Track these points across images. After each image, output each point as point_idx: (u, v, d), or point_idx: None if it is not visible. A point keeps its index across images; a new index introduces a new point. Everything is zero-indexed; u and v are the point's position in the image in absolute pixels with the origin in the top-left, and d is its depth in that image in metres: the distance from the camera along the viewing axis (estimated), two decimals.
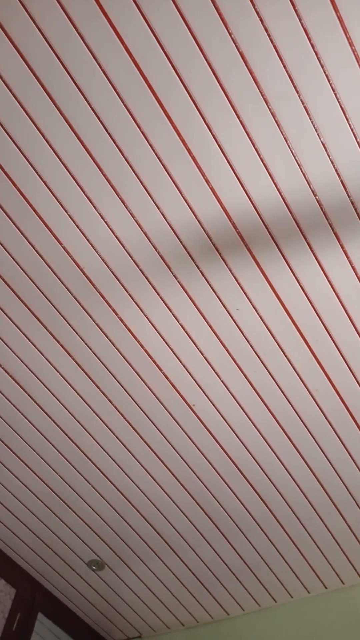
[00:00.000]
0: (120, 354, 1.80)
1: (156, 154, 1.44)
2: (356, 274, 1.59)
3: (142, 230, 1.56)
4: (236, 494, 2.12)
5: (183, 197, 1.50)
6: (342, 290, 1.63)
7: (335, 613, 2.34)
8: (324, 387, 1.82)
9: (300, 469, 2.02)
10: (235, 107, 1.36)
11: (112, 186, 1.50)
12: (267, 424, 1.91)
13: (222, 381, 1.83)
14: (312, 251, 1.56)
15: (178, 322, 1.72)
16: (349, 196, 1.46)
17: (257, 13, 1.24)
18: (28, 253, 1.62)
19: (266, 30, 1.26)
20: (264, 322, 1.70)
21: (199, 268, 1.61)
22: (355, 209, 1.48)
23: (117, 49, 1.30)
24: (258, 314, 1.69)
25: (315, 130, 1.38)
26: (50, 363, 1.84)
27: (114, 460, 2.07)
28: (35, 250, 1.61)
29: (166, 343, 1.77)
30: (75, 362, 1.83)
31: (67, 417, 1.96)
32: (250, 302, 1.66)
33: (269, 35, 1.27)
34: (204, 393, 1.86)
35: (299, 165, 1.43)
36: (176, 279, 1.64)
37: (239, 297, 1.66)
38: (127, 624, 2.71)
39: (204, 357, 1.79)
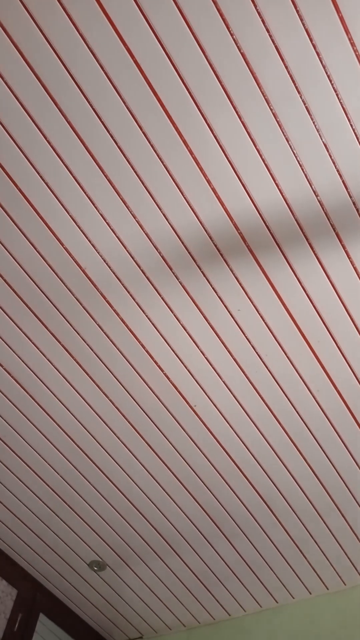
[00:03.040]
0: (122, 355, 1.80)
1: (158, 156, 1.44)
2: (358, 275, 1.59)
3: (144, 232, 1.56)
4: (238, 495, 2.12)
5: (184, 197, 1.50)
6: (344, 291, 1.62)
7: (336, 614, 2.34)
8: (326, 388, 1.82)
9: (302, 470, 2.02)
10: (237, 108, 1.36)
11: (114, 188, 1.50)
12: (268, 424, 1.91)
13: (223, 382, 1.83)
14: (314, 252, 1.56)
15: (179, 323, 1.72)
16: (350, 197, 1.46)
17: (259, 14, 1.24)
18: (29, 254, 1.62)
19: (268, 31, 1.26)
20: (265, 323, 1.70)
21: (200, 268, 1.61)
22: (357, 210, 1.48)
23: (120, 54, 1.30)
24: (260, 314, 1.68)
25: (317, 130, 1.38)
26: (52, 364, 1.84)
27: (115, 461, 2.07)
28: (37, 251, 1.61)
29: (168, 344, 1.77)
30: (77, 363, 1.83)
31: (69, 418, 1.96)
32: (252, 303, 1.66)
33: (270, 36, 1.27)
34: (206, 394, 1.86)
35: (300, 166, 1.43)
36: (177, 279, 1.64)
37: (241, 297, 1.66)
38: (128, 625, 2.71)
39: (206, 358, 1.79)
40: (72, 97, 1.37)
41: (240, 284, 1.63)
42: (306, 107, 1.35)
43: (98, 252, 1.61)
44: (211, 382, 1.84)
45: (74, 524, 2.29)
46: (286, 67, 1.30)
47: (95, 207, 1.53)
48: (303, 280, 1.61)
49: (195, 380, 1.84)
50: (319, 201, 1.47)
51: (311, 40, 1.27)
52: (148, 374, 1.84)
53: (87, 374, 1.85)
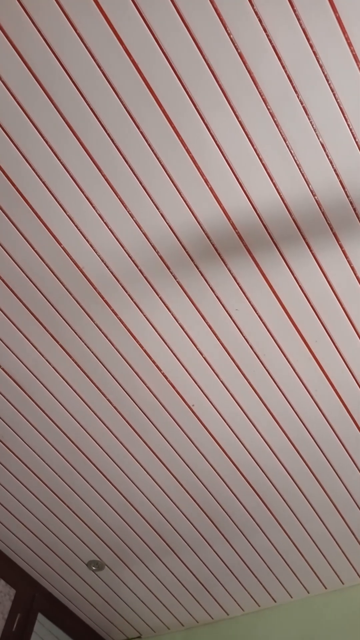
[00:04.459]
0: (120, 354, 1.80)
1: (155, 154, 1.44)
2: (355, 274, 1.59)
3: (142, 231, 1.56)
4: (236, 494, 2.12)
5: (181, 196, 1.50)
6: (341, 290, 1.63)
7: (334, 613, 2.34)
8: (323, 387, 1.82)
9: (300, 469, 2.02)
10: (234, 107, 1.36)
11: (111, 187, 1.50)
12: (266, 424, 1.91)
13: (221, 381, 1.83)
14: (311, 251, 1.56)
15: (177, 322, 1.72)
16: (347, 196, 1.46)
17: (256, 13, 1.24)
18: (27, 253, 1.62)
19: (265, 30, 1.26)
20: (263, 323, 1.70)
21: (197, 268, 1.61)
22: (354, 209, 1.48)
23: (117, 52, 1.30)
24: (257, 314, 1.69)
25: (314, 130, 1.38)
26: (49, 364, 1.84)
27: (113, 461, 2.07)
28: (35, 251, 1.61)
29: (165, 343, 1.77)
30: (75, 362, 1.83)
31: (67, 418, 1.96)
32: (250, 302, 1.67)
33: (267, 36, 1.27)
34: (203, 393, 1.87)
35: (297, 166, 1.43)
36: (175, 279, 1.64)
37: (238, 297, 1.66)
38: (126, 625, 2.71)
39: (203, 358, 1.79)
40: (70, 97, 1.36)
41: (237, 283, 1.63)
42: (303, 107, 1.35)
43: (96, 252, 1.61)
44: (209, 381, 1.84)
45: (72, 523, 2.29)
46: (283, 67, 1.30)
47: (93, 207, 1.53)
48: (300, 279, 1.61)
49: (194, 380, 1.84)
50: (316, 200, 1.47)
51: (308, 39, 1.27)
52: (146, 373, 1.84)
53: (85, 374, 1.85)
